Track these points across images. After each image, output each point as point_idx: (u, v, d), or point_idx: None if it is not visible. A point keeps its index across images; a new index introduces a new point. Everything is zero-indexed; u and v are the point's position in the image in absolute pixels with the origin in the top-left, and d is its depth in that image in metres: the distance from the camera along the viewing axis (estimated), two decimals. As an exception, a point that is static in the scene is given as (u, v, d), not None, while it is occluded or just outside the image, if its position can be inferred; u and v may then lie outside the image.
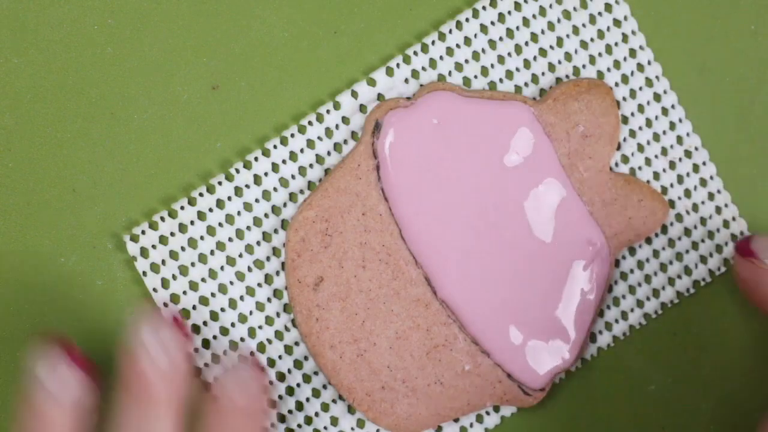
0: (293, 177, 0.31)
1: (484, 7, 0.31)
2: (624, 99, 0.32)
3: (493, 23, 0.32)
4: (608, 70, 0.32)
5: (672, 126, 0.32)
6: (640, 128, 0.32)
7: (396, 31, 0.32)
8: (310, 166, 0.31)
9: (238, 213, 0.31)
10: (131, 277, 0.31)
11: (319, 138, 0.31)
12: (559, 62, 0.32)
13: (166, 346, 0.25)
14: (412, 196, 0.31)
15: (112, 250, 0.31)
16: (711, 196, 0.32)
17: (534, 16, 0.32)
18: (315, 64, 0.31)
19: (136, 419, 0.25)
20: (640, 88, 0.32)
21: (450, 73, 0.32)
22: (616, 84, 0.32)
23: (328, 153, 0.31)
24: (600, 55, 0.32)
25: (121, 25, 0.30)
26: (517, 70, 0.32)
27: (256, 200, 0.31)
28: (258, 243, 0.31)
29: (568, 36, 0.32)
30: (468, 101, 0.31)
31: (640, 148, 0.32)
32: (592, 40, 0.32)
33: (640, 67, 0.32)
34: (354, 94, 0.31)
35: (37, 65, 0.31)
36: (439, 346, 0.31)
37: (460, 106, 0.31)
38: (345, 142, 0.31)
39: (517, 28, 0.32)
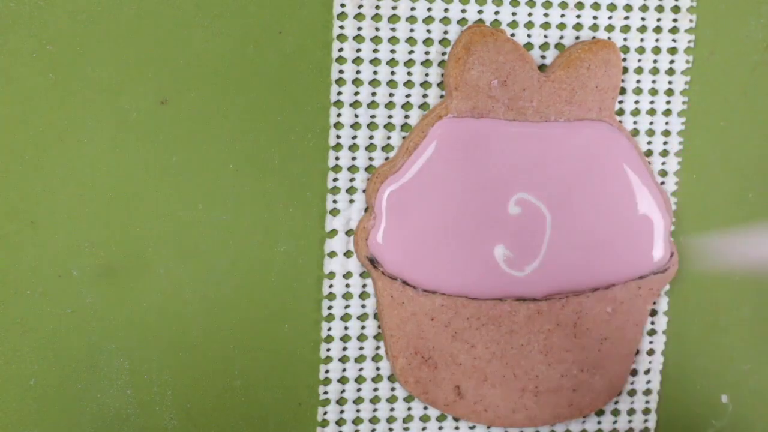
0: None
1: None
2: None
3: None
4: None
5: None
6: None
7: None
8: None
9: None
10: (102, 303, 0.31)
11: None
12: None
13: None
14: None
15: (79, 278, 0.30)
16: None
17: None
18: (263, 66, 0.31)
19: None
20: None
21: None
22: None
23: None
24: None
25: (61, 49, 0.29)
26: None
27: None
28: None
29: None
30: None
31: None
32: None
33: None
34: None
35: (-23, 98, 0.30)
36: (582, 318, 0.33)
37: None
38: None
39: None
